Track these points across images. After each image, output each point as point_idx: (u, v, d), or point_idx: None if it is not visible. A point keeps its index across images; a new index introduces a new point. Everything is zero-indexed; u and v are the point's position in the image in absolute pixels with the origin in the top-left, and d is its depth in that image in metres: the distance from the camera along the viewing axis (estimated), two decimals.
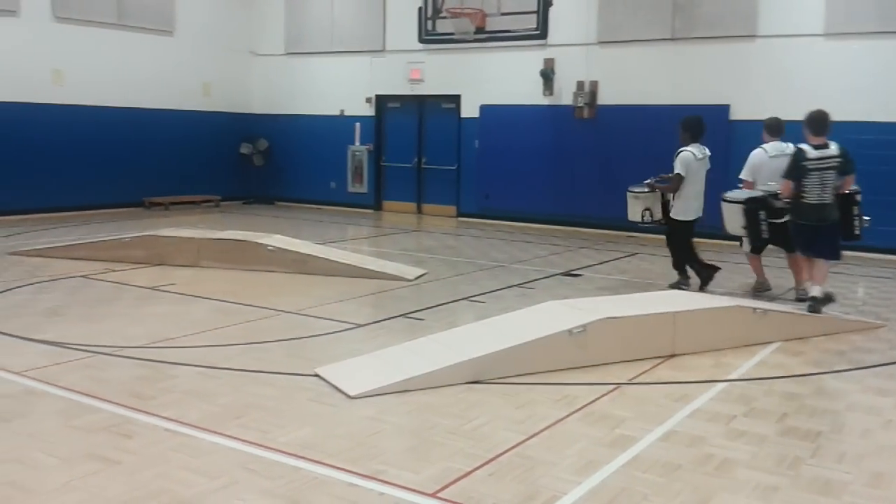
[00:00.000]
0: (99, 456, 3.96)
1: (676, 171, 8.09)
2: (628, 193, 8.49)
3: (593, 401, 4.97)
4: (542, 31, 14.15)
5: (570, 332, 5.53)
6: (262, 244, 9.25)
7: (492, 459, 4.05)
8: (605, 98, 13.72)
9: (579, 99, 13.78)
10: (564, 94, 14.02)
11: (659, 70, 13.18)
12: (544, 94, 14.18)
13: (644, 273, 9.72)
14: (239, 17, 17.47)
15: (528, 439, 4.33)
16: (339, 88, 16.77)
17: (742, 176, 8.22)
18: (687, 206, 8.18)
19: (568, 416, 4.71)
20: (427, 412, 4.70)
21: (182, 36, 16.29)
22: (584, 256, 11.01)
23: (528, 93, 14.29)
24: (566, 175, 14.13)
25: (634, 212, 8.44)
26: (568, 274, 9.41)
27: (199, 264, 9.25)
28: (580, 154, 13.89)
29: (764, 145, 8.20)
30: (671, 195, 8.25)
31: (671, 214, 8.31)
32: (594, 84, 13.77)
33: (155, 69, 15.76)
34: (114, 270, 8.96)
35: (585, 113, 13.80)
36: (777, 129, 8.24)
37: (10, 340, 6.07)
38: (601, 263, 10.41)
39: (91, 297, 7.75)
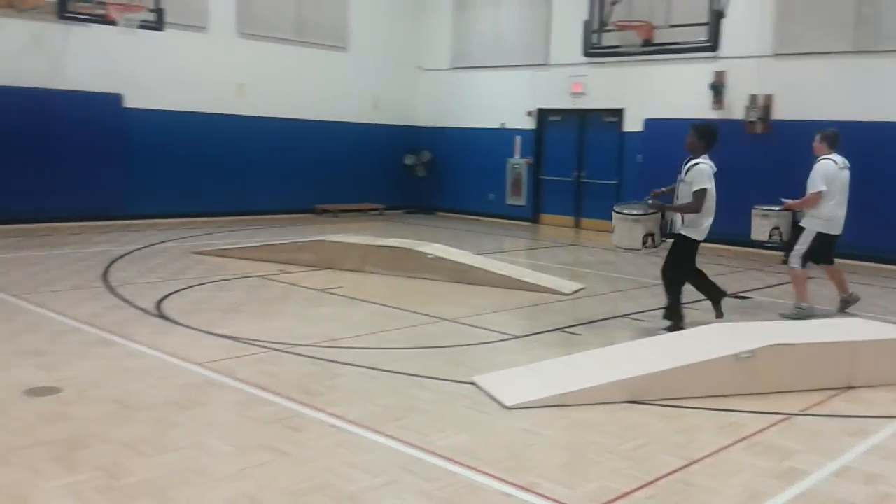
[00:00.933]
0: (270, 447, 4.20)
1: (700, 186, 6.93)
2: (623, 216, 7.21)
3: (761, 430, 4.74)
4: (713, 43, 13.64)
5: (736, 356, 5.30)
6: (422, 252, 9.50)
7: (651, 482, 3.95)
8: (781, 112, 13.10)
9: (752, 113, 13.24)
10: (735, 108, 13.50)
11: (839, 84, 12.44)
12: (713, 108, 13.71)
13: (819, 299, 9.17)
14: (408, 34, 18.05)
15: (689, 465, 4.19)
16: (500, 102, 16.96)
17: (815, 189, 7.82)
18: (704, 225, 7.11)
19: (733, 444, 4.51)
20: (583, 428, 4.66)
21: (355, 51, 17.04)
22: (753, 279, 10.53)
23: (697, 106, 13.85)
24: (735, 192, 13.48)
25: (633, 238, 7.12)
26: (735, 296, 9.03)
27: (364, 269, 9.61)
28: (751, 171, 13.27)
29: (831, 156, 7.93)
30: (679, 215, 7.13)
31: (683, 231, 7.12)
32: (768, 98, 13.18)
33: (328, 83, 16.58)
34: (287, 272, 9.48)
35: (758, 128, 13.23)
36: (837, 140, 8.03)
37: (193, 333, 6.56)
38: (771, 287, 9.91)
39: (266, 296, 8.23)
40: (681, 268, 7.24)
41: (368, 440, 4.37)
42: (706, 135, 7.16)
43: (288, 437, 4.34)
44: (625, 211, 7.25)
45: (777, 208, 8.16)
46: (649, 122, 14.64)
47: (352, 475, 3.88)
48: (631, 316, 7.89)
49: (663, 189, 7.47)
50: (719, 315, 7.38)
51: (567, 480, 3.93)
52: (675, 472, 4.09)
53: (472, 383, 5.37)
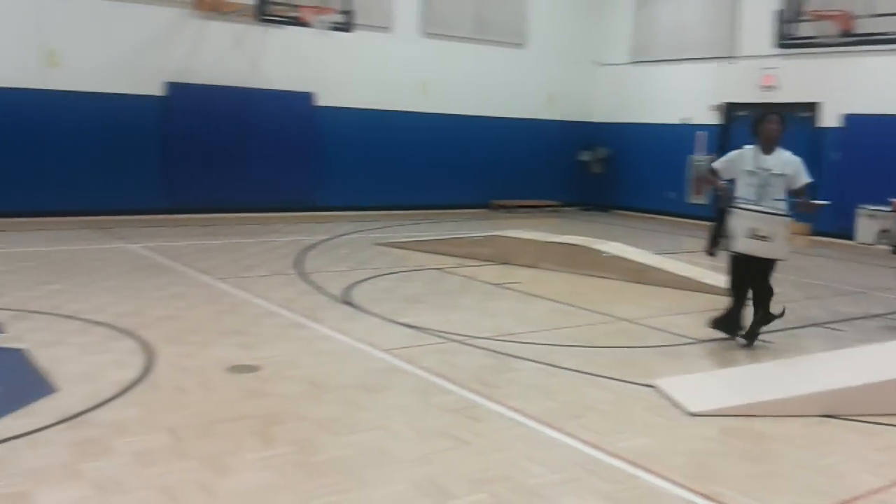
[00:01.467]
0: (451, 435, 4.31)
1: None
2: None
3: None
4: None
5: None
6: (598, 250, 9.38)
7: (849, 501, 3.71)
8: None
9: None
10: None
11: None
12: None
13: None
14: (586, 29, 17.85)
15: (891, 486, 3.90)
16: (682, 96, 16.40)
17: None
18: None
19: None
20: (773, 441, 4.44)
21: (532, 48, 17.07)
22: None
23: None
24: None
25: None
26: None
27: (539, 265, 9.63)
28: None
29: None
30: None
31: None
32: None
33: (506, 79, 16.71)
34: (464, 265, 9.68)
35: None
36: None
37: (378, 321, 6.84)
38: None
39: (445, 288, 8.45)
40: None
41: (547, 436, 4.38)
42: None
43: (468, 427, 4.44)
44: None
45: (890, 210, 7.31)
46: (850, 118, 13.64)
47: (531, 469, 3.92)
48: (825, 325, 7.41)
49: None
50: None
51: (756, 493, 3.76)
52: (875, 491, 3.82)
53: (652, 386, 5.25)
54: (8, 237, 10.63)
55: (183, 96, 13.41)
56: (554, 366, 5.68)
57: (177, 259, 9.40)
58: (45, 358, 5.36)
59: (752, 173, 6.36)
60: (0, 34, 11.98)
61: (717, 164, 6.69)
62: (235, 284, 8.06)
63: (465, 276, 9.13)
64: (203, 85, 13.50)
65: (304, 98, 14.57)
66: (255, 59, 14.14)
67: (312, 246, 10.92)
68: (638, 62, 17.35)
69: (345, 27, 13.43)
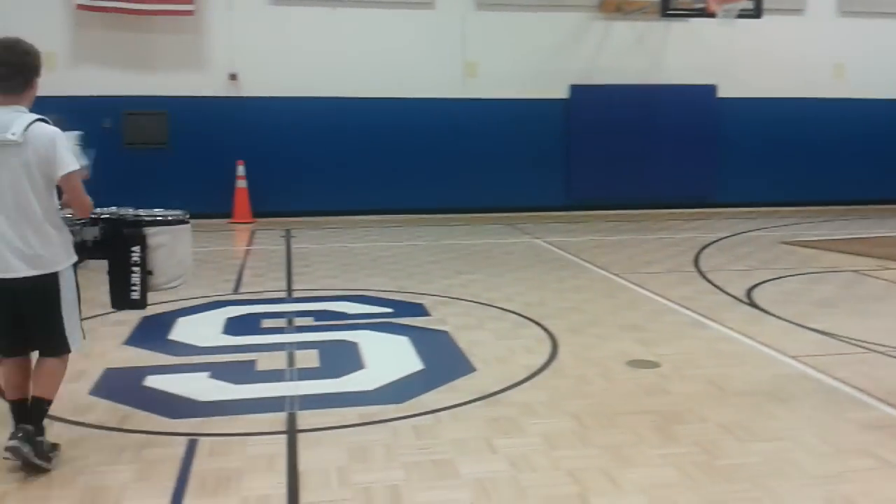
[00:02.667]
0: (873, 453, 3.90)
1: None
2: None
3: None
4: None
5: None
6: None
7: None
8: None
9: None
10: None
11: None
12: None
13: None
14: None
15: None
16: None
17: None
18: None
19: None
20: None
21: None
22: None
23: None
24: None
25: None
26: None
27: None
28: None
29: None
30: None
31: None
32: None
33: None
34: (887, 268, 8.65)
35: None
36: None
37: (785, 325, 6.42)
38: None
39: (862, 292, 7.65)
40: None
41: None
42: None
43: (893, 447, 3.98)
44: None
45: None
46: None
47: None
48: None
49: None
50: None
51: None
52: None
53: None
54: (433, 231, 12.02)
55: (585, 97, 13.92)
56: None
57: (577, 254, 9.79)
58: (465, 340, 5.97)
59: None
60: (433, 53, 13.56)
61: None
62: (633, 280, 8.16)
63: (888, 279, 8.14)
64: (604, 85, 13.87)
65: (707, 91, 14.19)
66: (657, 55, 14.14)
67: (711, 243, 10.60)
68: None
69: (753, 13, 12.79)
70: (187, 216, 4.45)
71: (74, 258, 3.82)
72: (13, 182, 3.56)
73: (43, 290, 3.66)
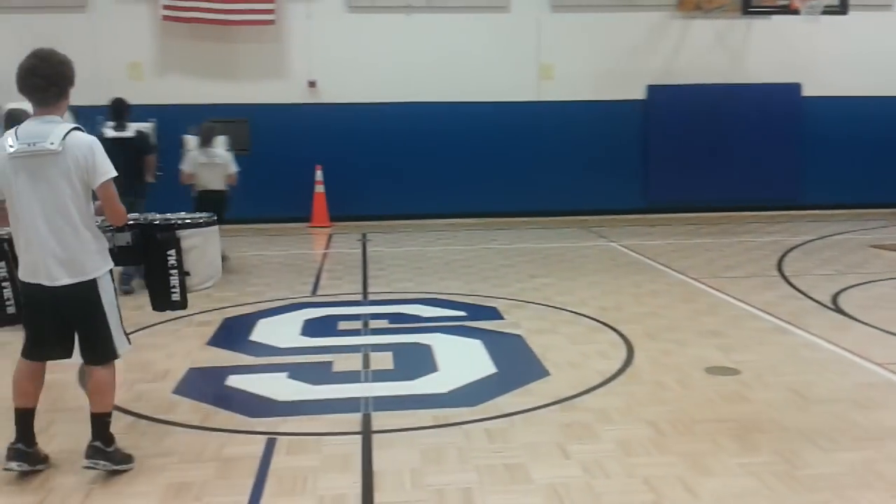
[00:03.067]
0: None
1: None
2: None
3: None
4: None
5: None
6: None
7: None
8: None
9: None
10: None
11: None
12: None
13: None
14: None
15: None
16: None
17: None
18: None
19: None
20: None
21: None
22: None
23: None
24: None
25: None
26: None
27: None
28: None
29: None
30: None
31: None
32: None
33: None
34: None
35: None
36: None
37: (872, 331, 6.18)
38: None
39: None
40: None
41: None
42: None
43: None
44: None
45: None
46: None
47: None
48: None
49: None
50: None
51: None
52: None
53: None
54: (507, 234, 12.00)
55: (663, 98, 13.68)
56: None
57: (654, 257, 9.63)
58: (539, 344, 5.95)
59: None
60: (508, 56, 13.53)
61: None
62: (713, 284, 7.97)
63: None
64: (682, 85, 13.60)
65: (790, 90, 13.77)
66: (737, 54, 13.80)
67: (796, 247, 10.27)
68: None
69: (839, 10, 12.35)
70: (214, 218, 4.55)
71: (111, 264, 3.87)
72: (53, 190, 3.60)
73: (84, 298, 3.71)
